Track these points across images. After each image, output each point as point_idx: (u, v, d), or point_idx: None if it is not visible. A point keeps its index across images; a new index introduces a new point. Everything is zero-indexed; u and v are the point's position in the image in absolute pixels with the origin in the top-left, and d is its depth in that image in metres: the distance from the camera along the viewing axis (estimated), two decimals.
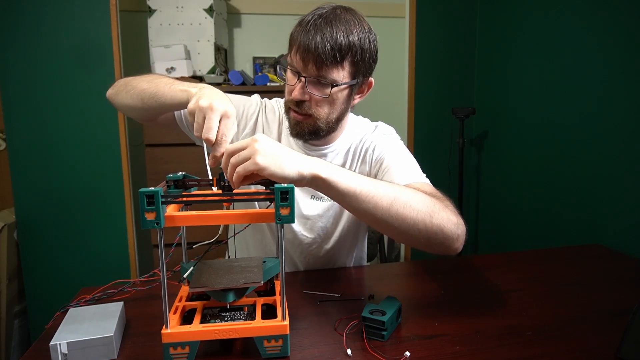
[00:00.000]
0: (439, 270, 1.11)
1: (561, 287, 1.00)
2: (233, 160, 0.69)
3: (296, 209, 1.02)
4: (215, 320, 0.70)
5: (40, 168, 1.94)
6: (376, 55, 0.94)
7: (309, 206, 1.04)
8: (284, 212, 0.64)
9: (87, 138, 1.97)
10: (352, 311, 0.84)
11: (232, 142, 0.73)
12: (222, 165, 0.72)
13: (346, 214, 1.05)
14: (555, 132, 1.77)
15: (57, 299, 1.86)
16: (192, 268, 0.74)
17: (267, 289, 0.82)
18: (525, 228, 2.00)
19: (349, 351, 0.71)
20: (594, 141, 1.57)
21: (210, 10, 1.98)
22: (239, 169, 0.68)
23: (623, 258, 1.23)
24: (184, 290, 0.79)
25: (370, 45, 0.90)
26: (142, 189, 0.61)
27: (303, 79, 0.89)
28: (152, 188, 0.61)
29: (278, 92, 1.97)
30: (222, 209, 0.72)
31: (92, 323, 0.73)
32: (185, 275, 0.74)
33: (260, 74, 2.20)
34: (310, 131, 0.94)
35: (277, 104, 1.09)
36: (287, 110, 0.96)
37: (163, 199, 0.62)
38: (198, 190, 0.80)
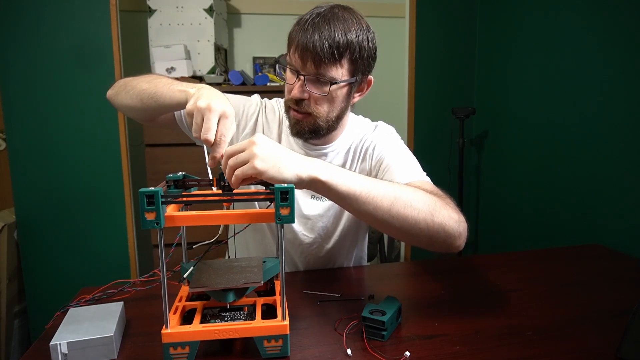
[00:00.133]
0: (439, 270, 1.11)
1: (561, 287, 1.00)
2: (231, 162, 0.69)
3: (296, 209, 1.03)
4: (215, 320, 0.70)
5: (40, 168, 1.94)
6: (375, 53, 0.94)
7: (310, 206, 1.04)
8: (284, 212, 0.64)
9: (87, 138, 1.97)
10: (352, 311, 0.84)
11: (232, 141, 0.73)
12: (221, 167, 0.72)
13: (347, 214, 1.05)
14: (555, 132, 1.77)
15: (57, 299, 1.85)
16: (192, 268, 0.74)
17: (267, 289, 0.82)
18: (525, 228, 2.00)
19: (349, 351, 0.71)
20: (594, 141, 1.57)
21: (210, 10, 1.98)
22: (237, 172, 0.68)
23: (623, 258, 1.23)
24: (184, 290, 0.79)
25: (368, 43, 0.90)
26: (142, 189, 0.61)
27: (302, 77, 0.89)
28: (152, 188, 0.61)
29: (278, 92, 1.97)
30: (222, 209, 0.72)
31: (92, 323, 0.73)
32: (185, 275, 0.74)
33: (260, 74, 2.20)
34: (311, 130, 0.94)
35: (277, 104, 1.09)
36: (287, 109, 0.97)
37: (163, 199, 0.62)
38: (198, 190, 0.80)
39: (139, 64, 2.12)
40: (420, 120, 2.40)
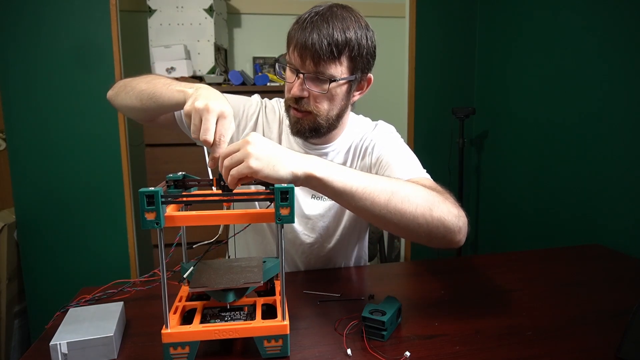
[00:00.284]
0: (439, 270, 1.11)
1: (561, 287, 1.00)
2: (226, 162, 0.69)
3: (297, 209, 1.03)
4: (215, 320, 0.70)
5: (40, 168, 1.94)
6: (374, 52, 0.94)
7: (310, 206, 1.04)
8: (284, 212, 0.64)
9: (87, 138, 1.97)
10: (352, 311, 0.84)
11: (232, 141, 0.73)
12: (219, 169, 0.71)
13: (347, 213, 1.05)
14: (555, 132, 1.77)
15: (57, 299, 1.85)
16: (192, 268, 0.74)
17: (267, 289, 0.82)
18: (525, 228, 2.00)
19: (349, 351, 0.71)
20: (594, 141, 1.57)
21: (210, 10, 1.98)
22: (232, 172, 0.68)
23: (623, 258, 1.23)
24: (184, 290, 0.79)
25: (367, 41, 0.91)
26: (142, 189, 0.61)
27: (301, 75, 0.89)
28: (152, 188, 0.61)
29: (278, 92, 1.97)
30: (222, 209, 0.72)
31: (92, 323, 0.73)
32: (185, 275, 0.74)
33: (260, 74, 2.20)
34: (311, 128, 0.94)
35: (277, 104, 1.09)
36: (287, 108, 0.97)
37: (163, 199, 0.62)
38: (198, 190, 0.80)
39: (139, 64, 2.12)
40: (420, 120, 2.40)
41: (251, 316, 0.72)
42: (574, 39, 1.66)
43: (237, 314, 0.72)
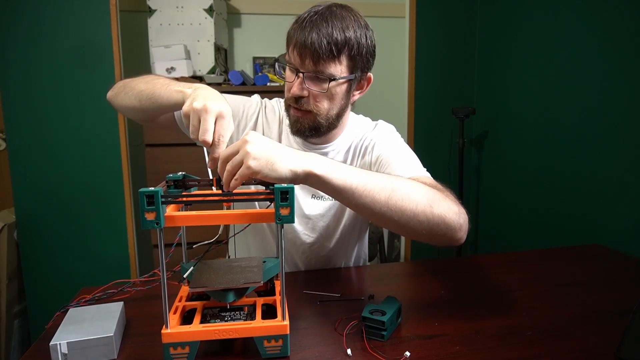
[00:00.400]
0: (439, 270, 1.11)
1: (561, 287, 1.00)
2: (228, 167, 0.68)
3: (297, 209, 1.03)
4: (215, 320, 0.70)
5: (40, 168, 1.94)
6: (374, 51, 0.94)
7: (310, 206, 1.04)
8: (284, 212, 0.64)
9: (87, 138, 1.97)
10: (352, 311, 0.84)
11: (231, 141, 0.73)
12: (219, 172, 0.71)
13: (347, 213, 1.05)
14: (555, 131, 1.77)
15: (57, 299, 1.85)
16: (192, 268, 0.74)
17: (267, 289, 0.82)
18: (525, 228, 2.00)
19: (349, 351, 0.71)
20: (594, 141, 1.57)
21: (210, 10, 1.98)
22: (236, 176, 0.68)
23: (623, 258, 1.23)
24: (184, 290, 0.79)
25: (367, 40, 0.91)
26: (142, 189, 0.61)
27: (301, 74, 0.89)
28: (152, 188, 0.61)
29: (278, 92, 1.97)
30: (222, 209, 0.72)
31: (92, 323, 0.73)
32: (185, 275, 0.74)
33: (260, 74, 2.20)
34: (311, 127, 0.94)
35: (277, 104, 1.09)
36: (287, 107, 0.97)
37: (163, 199, 0.62)
38: (198, 190, 0.80)
39: (139, 64, 2.13)
40: (420, 120, 2.40)
41: (251, 316, 0.72)
42: (574, 39, 1.66)
43: (237, 314, 0.72)
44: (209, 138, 0.70)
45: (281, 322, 0.68)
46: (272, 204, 0.66)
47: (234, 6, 2.31)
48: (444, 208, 0.75)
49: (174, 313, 0.71)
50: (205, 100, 0.71)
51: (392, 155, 0.97)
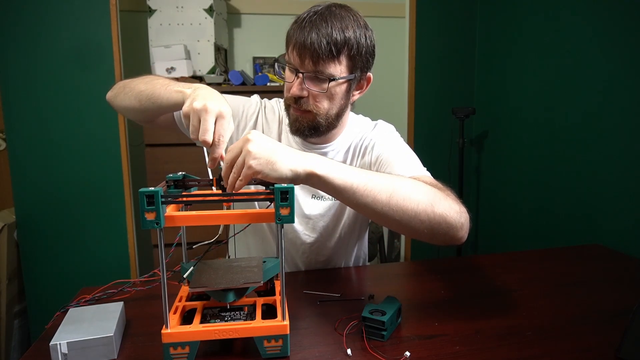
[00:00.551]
0: (439, 270, 1.10)
1: (561, 287, 1.00)
2: (235, 170, 0.69)
3: (297, 209, 1.03)
4: (215, 320, 0.70)
5: (40, 168, 1.94)
6: (373, 51, 0.94)
7: (310, 206, 1.04)
8: (284, 212, 0.64)
9: (87, 138, 1.97)
10: (352, 311, 0.84)
11: (231, 141, 0.73)
12: (222, 176, 0.71)
13: (347, 212, 1.05)
14: (555, 132, 1.77)
15: (57, 299, 1.86)
16: (192, 268, 0.74)
17: (267, 289, 0.82)
18: (525, 228, 2.00)
19: (349, 351, 0.71)
20: (594, 141, 1.57)
21: (210, 10, 1.98)
22: (240, 177, 0.68)
23: (623, 258, 1.23)
24: (184, 290, 0.79)
25: (366, 40, 0.91)
26: (142, 189, 0.61)
27: (301, 75, 0.89)
28: (152, 188, 0.61)
29: (278, 92, 1.97)
30: (222, 209, 0.72)
31: (92, 323, 0.73)
32: (185, 275, 0.74)
33: (260, 74, 2.20)
34: (310, 127, 0.94)
35: (277, 104, 1.09)
36: (287, 107, 0.97)
37: (163, 199, 0.62)
38: (198, 190, 0.80)
39: (139, 64, 2.12)
40: (420, 120, 2.40)
41: (251, 316, 0.72)
42: (574, 38, 1.66)
43: (237, 314, 0.72)
44: (209, 138, 0.70)
45: (281, 322, 0.68)
46: (272, 204, 0.66)
47: (234, 6, 2.31)
48: (445, 207, 0.75)
49: (174, 313, 0.71)
50: (206, 100, 0.71)
51: (392, 155, 0.97)
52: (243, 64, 2.38)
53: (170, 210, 0.69)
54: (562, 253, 1.28)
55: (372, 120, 1.12)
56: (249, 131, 0.71)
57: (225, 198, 0.70)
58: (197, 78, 1.99)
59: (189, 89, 0.79)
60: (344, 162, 1.04)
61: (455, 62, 2.41)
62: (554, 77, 1.78)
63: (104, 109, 1.94)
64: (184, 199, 0.67)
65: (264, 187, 0.74)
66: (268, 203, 0.70)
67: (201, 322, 0.69)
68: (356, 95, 0.99)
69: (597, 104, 1.56)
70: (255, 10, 2.34)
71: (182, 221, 0.66)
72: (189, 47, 1.98)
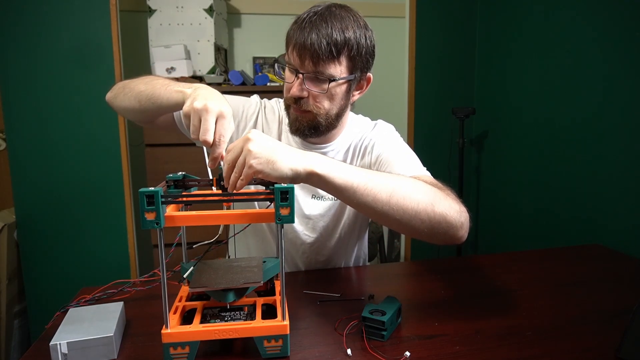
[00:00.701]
0: (439, 270, 1.10)
1: (561, 287, 1.00)
2: (236, 170, 0.69)
3: (297, 209, 1.03)
4: (215, 320, 0.70)
5: (40, 168, 1.94)
6: (373, 51, 0.94)
7: (310, 206, 1.04)
8: (284, 212, 0.64)
9: (87, 138, 1.97)
10: (352, 311, 0.84)
11: (231, 141, 0.73)
12: (224, 176, 0.71)
13: (347, 212, 1.05)
14: (555, 132, 1.77)
15: (57, 299, 1.85)
16: (192, 268, 0.74)
17: (267, 289, 0.82)
18: (525, 228, 2.00)
19: (349, 351, 0.71)
20: (594, 141, 1.57)
21: (210, 10, 1.98)
22: (241, 176, 0.68)
23: (623, 258, 1.23)
24: (184, 290, 0.79)
25: (366, 40, 0.90)
26: (142, 189, 0.61)
27: (301, 75, 0.89)
28: (152, 188, 0.61)
29: (278, 92, 1.97)
30: (222, 209, 0.72)
31: (92, 323, 0.73)
32: (185, 275, 0.74)
33: (260, 74, 2.20)
34: (310, 126, 0.94)
35: (276, 104, 1.09)
36: (287, 107, 0.97)
37: (163, 199, 0.62)
38: (198, 190, 0.80)
39: (139, 64, 2.12)
40: (420, 120, 2.40)
41: (251, 316, 0.72)
42: (574, 38, 1.66)
43: (237, 314, 0.72)
44: (209, 138, 0.70)
45: (281, 322, 0.68)
46: (272, 204, 0.66)
47: (234, 6, 2.31)
48: (445, 206, 0.75)
49: (174, 313, 0.71)
50: (206, 100, 0.71)
51: (392, 155, 0.97)
52: (243, 64, 2.38)
53: (170, 210, 0.69)
54: (562, 253, 1.28)
55: (372, 120, 1.12)
56: (249, 130, 0.71)
57: (225, 198, 0.70)
58: (197, 78, 1.99)
59: (189, 88, 0.79)
60: (344, 161, 1.04)
61: (455, 62, 2.41)
62: (554, 77, 1.78)
63: (104, 109, 1.92)
64: (184, 199, 0.67)
65: (264, 187, 0.74)
66: (268, 203, 0.70)
67: (201, 322, 0.69)
68: (356, 96, 0.99)
69: (597, 104, 1.56)
70: (255, 10, 2.34)
71: (182, 221, 0.66)
72: (189, 47, 1.98)
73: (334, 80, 0.88)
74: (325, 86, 0.89)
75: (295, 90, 0.90)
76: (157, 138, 1.89)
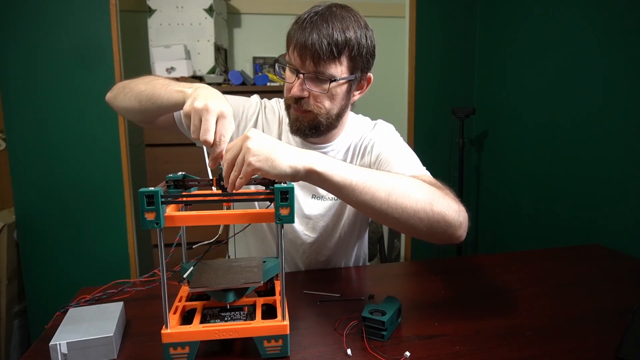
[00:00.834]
0: (439, 270, 1.11)
1: (561, 287, 1.00)
2: (235, 168, 0.69)
3: (297, 209, 1.03)
4: (215, 320, 0.70)
5: (40, 168, 1.94)
6: (374, 51, 0.94)
7: (310, 206, 1.04)
8: (284, 212, 0.64)
9: (87, 138, 1.97)
10: (352, 311, 0.84)
11: (231, 141, 0.73)
12: (223, 175, 0.71)
13: (347, 212, 1.05)
14: (555, 132, 1.77)
15: (57, 299, 1.86)
16: (192, 268, 0.74)
17: (267, 289, 0.82)
18: (525, 228, 2.00)
19: (349, 351, 0.71)
20: (594, 141, 1.57)
21: (210, 10, 1.98)
22: (241, 175, 0.68)
23: (623, 258, 1.23)
24: (184, 290, 0.79)
25: (367, 40, 0.90)
26: (142, 189, 0.61)
27: (301, 75, 0.89)
28: (152, 188, 0.61)
29: (278, 92, 1.97)
30: (222, 209, 0.72)
31: (92, 323, 0.73)
32: (185, 275, 0.74)
33: (260, 74, 2.20)
34: (310, 126, 0.94)
35: (277, 104, 1.09)
36: (287, 107, 0.97)
37: (163, 199, 0.62)
38: (198, 190, 0.80)
39: (139, 64, 2.13)
40: (420, 120, 2.40)
41: (251, 316, 0.72)
42: (574, 38, 1.66)
43: (237, 314, 0.72)
44: (210, 138, 0.70)
45: (281, 322, 0.68)
46: (272, 204, 0.66)
47: (234, 6, 2.31)
48: (444, 206, 0.75)
49: (174, 313, 0.71)
50: (207, 100, 0.71)
51: (391, 154, 0.97)
52: (243, 64, 2.38)
53: (170, 210, 0.69)
54: (562, 253, 1.28)
55: (372, 120, 1.12)
56: (249, 129, 0.71)
57: (225, 198, 0.70)
58: (197, 78, 1.99)
59: (189, 88, 0.79)
60: (344, 161, 1.04)
61: (455, 62, 2.41)
62: (554, 77, 1.78)
63: (104, 109, 1.92)
64: (184, 199, 0.67)
65: (264, 188, 0.74)
66: (268, 203, 0.70)
67: (201, 322, 0.69)
68: (356, 96, 0.99)
69: (597, 104, 1.56)
70: (255, 10, 2.34)
71: (182, 221, 0.66)
72: (189, 47, 1.98)
73: (334, 80, 0.88)
74: (326, 86, 0.89)
75: (295, 90, 0.90)
76: (157, 138, 1.89)
